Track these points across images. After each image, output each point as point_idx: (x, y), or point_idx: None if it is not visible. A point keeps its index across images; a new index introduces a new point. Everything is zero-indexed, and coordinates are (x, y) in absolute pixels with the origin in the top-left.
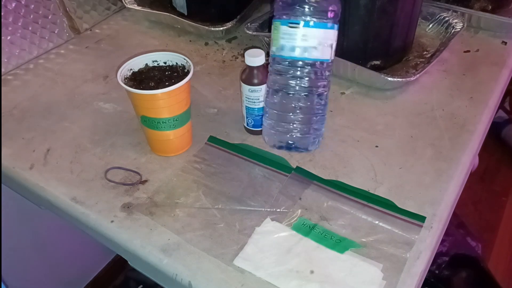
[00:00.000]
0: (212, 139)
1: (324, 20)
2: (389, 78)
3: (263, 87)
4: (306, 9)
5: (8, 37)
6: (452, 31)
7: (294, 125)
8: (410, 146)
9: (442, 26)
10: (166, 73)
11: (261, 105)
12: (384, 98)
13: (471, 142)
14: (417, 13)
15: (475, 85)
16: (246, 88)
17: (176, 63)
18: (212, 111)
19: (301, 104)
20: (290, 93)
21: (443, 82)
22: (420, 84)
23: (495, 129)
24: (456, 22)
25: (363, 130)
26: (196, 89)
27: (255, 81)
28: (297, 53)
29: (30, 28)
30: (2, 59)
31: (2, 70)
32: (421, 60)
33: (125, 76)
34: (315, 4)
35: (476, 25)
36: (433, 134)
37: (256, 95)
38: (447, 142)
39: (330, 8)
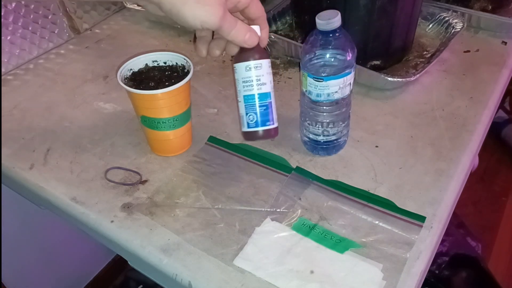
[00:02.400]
0: (212, 139)
1: (344, 71)
2: (389, 78)
3: (264, 62)
4: (328, 70)
5: (8, 37)
6: (452, 31)
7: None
8: (410, 146)
9: (442, 26)
10: (166, 73)
11: (264, 89)
12: (384, 98)
13: (471, 142)
14: (417, 13)
15: (475, 85)
16: (242, 67)
17: (176, 63)
18: (212, 111)
19: (329, 127)
20: (318, 118)
21: (443, 82)
22: (420, 84)
23: (495, 129)
24: (456, 22)
25: (363, 130)
26: (196, 89)
27: (256, 55)
28: (322, 98)
29: (30, 28)
30: (2, 59)
31: (2, 70)
32: (421, 60)
33: (125, 76)
34: (335, 66)
35: (476, 25)
36: (433, 134)
37: (256, 74)
38: (447, 142)
39: (348, 63)
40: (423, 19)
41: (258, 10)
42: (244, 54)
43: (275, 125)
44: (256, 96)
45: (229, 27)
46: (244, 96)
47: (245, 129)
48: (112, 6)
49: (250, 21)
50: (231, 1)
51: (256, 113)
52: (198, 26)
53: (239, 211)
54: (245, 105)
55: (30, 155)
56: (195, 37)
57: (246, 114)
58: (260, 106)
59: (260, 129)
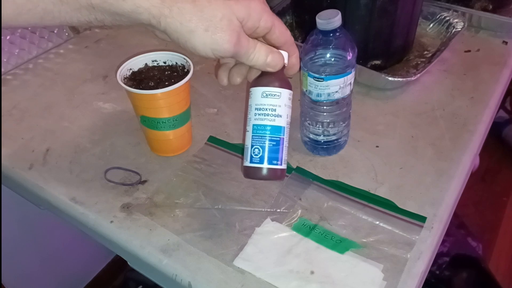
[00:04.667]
0: (212, 139)
1: (345, 71)
2: (390, 78)
3: (284, 92)
4: (328, 70)
5: (8, 37)
6: (453, 30)
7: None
8: (410, 146)
9: (442, 25)
10: (166, 72)
11: (277, 121)
12: (384, 98)
13: (472, 142)
14: (417, 13)
15: (476, 85)
16: (258, 92)
17: (176, 63)
18: (212, 111)
19: (330, 127)
20: (318, 118)
21: (444, 82)
22: (420, 84)
23: (496, 129)
24: (456, 22)
25: (363, 130)
26: (196, 89)
27: (273, 81)
28: (322, 98)
29: (29, 28)
30: (1, 59)
31: (2, 69)
32: (421, 60)
33: (125, 76)
34: (335, 65)
35: (476, 25)
36: (433, 134)
37: (272, 103)
38: (447, 142)
39: (349, 63)
40: (423, 18)
41: (282, 36)
42: (263, 78)
43: (283, 166)
44: (268, 128)
45: (247, 52)
46: (253, 125)
47: (247, 163)
48: None
49: (275, 48)
50: (248, 27)
51: (263, 148)
52: (210, 55)
53: (239, 211)
54: (252, 135)
55: (29, 155)
56: (218, 62)
57: (252, 146)
58: (270, 140)
59: (264, 166)
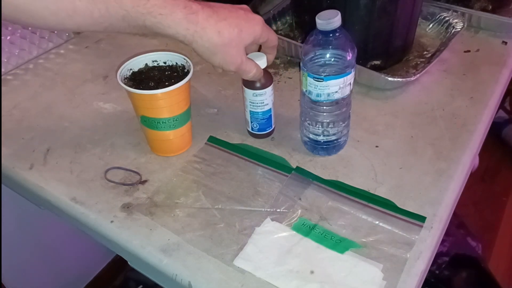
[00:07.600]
0: (212, 139)
1: (344, 71)
2: (389, 78)
3: (268, 90)
4: (328, 70)
5: (8, 37)
6: (452, 31)
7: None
8: (410, 146)
9: (442, 26)
10: (166, 73)
11: (266, 108)
12: (384, 98)
13: (472, 142)
14: (417, 13)
15: (476, 85)
16: (249, 92)
17: (176, 63)
18: (212, 111)
19: (330, 127)
20: (318, 118)
21: (444, 82)
22: (420, 84)
23: (496, 129)
24: (456, 22)
25: (363, 130)
26: (196, 89)
27: (258, 84)
28: (322, 98)
29: (29, 28)
30: (2, 59)
31: (2, 70)
32: (421, 60)
33: (125, 76)
34: (335, 66)
35: (476, 25)
36: (433, 134)
37: (260, 99)
38: (447, 142)
39: (349, 63)
40: (423, 19)
41: (270, 42)
42: (252, 81)
43: (273, 126)
44: (259, 113)
45: (244, 71)
46: (250, 111)
47: (249, 130)
48: None
49: (263, 47)
50: (255, 41)
51: (259, 123)
52: (222, 68)
53: (239, 211)
54: (250, 116)
55: (30, 155)
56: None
57: (251, 122)
58: (262, 119)
59: (261, 133)
